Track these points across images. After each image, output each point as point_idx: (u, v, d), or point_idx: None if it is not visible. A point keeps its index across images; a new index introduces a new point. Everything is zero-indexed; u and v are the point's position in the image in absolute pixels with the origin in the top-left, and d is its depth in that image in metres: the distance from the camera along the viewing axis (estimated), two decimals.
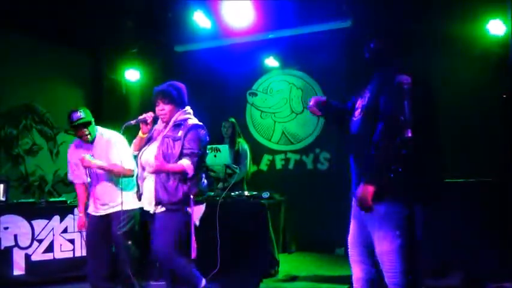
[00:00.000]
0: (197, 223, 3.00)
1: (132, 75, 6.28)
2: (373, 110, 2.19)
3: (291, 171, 6.13)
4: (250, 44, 5.72)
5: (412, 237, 2.12)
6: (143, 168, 2.91)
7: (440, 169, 2.42)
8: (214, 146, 4.43)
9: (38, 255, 4.19)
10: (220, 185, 4.61)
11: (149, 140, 2.98)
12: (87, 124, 3.37)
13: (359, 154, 2.24)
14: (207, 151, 4.38)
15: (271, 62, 6.06)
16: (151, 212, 2.90)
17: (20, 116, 5.58)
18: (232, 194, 4.39)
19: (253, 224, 4.15)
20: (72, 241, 4.35)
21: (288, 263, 4.65)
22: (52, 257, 4.26)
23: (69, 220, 4.35)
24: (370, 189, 2.10)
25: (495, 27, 4.65)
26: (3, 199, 4.28)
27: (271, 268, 4.18)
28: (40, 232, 4.22)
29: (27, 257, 4.14)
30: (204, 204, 3.07)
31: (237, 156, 4.97)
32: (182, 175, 2.81)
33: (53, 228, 4.28)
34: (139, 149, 2.97)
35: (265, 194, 4.36)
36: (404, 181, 2.13)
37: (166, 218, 2.85)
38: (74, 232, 4.36)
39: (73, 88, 6.31)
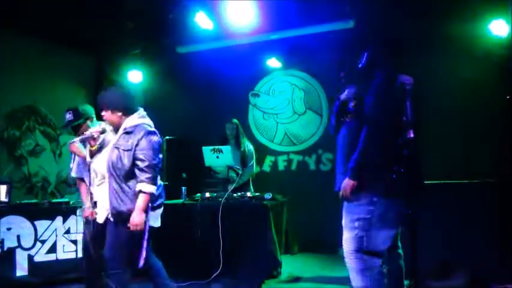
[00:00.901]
0: (158, 224, 2.98)
1: (135, 76, 6.29)
2: (359, 113, 2.35)
3: (293, 172, 6.13)
4: (253, 45, 5.72)
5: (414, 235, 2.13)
6: (95, 175, 2.89)
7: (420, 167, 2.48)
8: (216, 147, 4.43)
9: (41, 256, 4.19)
10: (230, 186, 4.60)
11: (102, 147, 2.92)
12: (78, 126, 3.32)
13: (346, 155, 2.44)
14: (212, 152, 4.43)
15: (273, 63, 6.06)
16: (102, 219, 2.83)
17: (22, 117, 5.60)
18: (235, 195, 4.39)
19: (256, 225, 4.14)
20: (75, 242, 4.35)
21: (290, 264, 4.64)
22: (55, 258, 4.25)
23: (71, 221, 4.35)
24: (351, 183, 2.35)
25: (498, 27, 4.63)
26: (6, 200, 4.28)
27: (273, 269, 4.17)
28: (43, 233, 4.22)
29: (30, 257, 4.14)
30: (162, 207, 3.00)
31: (243, 157, 4.96)
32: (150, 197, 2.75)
33: (55, 229, 4.28)
34: (93, 156, 2.92)
35: (268, 195, 4.35)
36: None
37: (122, 226, 2.73)
38: (76, 233, 4.36)
39: (76, 89, 6.32)
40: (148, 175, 2.72)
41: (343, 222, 2.46)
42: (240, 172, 4.76)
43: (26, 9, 4.74)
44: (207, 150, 4.46)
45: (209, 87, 6.24)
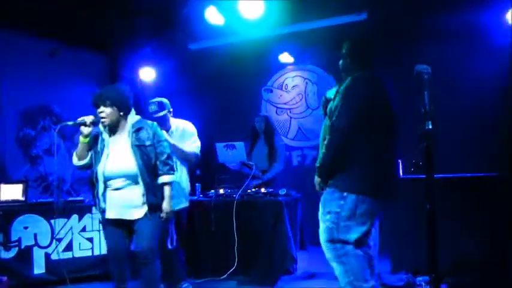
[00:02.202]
0: None
1: (147, 73, 6.30)
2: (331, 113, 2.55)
3: (307, 168, 6.08)
4: (265, 40, 5.67)
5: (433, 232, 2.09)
6: (106, 180, 2.85)
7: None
8: (229, 143, 4.40)
9: (57, 254, 4.21)
10: (255, 182, 4.58)
11: (102, 150, 2.88)
12: (163, 117, 3.66)
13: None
14: (225, 148, 4.42)
15: (285, 57, 6.01)
16: (133, 218, 2.86)
17: (37, 116, 5.65)
18: (249, 191, 4.36)
19: (270, 221, 4.11)
20: (90, 240, 4.38)
21: (306, 260, 4.60)
22: (71, 256, 4.29)
23: (87, 219, 4.38)
24: (317, 179, 2.78)
25: None
26: (22, 199, 4.33)
27: (288, 265, 4.14)
28: (59, 231, 4.26)
29: (47, 255, 4.18)
30: None
31: (271, 153, 4.89)
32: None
33: (71, 227, 4.32)
34: (85, 157, 2.90)
35: (282, 191, 4.32)
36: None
37: (153, 220, 2.89)
38: (92, 231, 4.39)
39: (89, 88, 6.35)
40: (169, 166, 2.93)
41: (319, 214, 2.66)
42: (254, 169, 4.71)
43: (38, 9, 4.76)
44: (220, 146, 4.44)
45: (222, 83, 6.22)
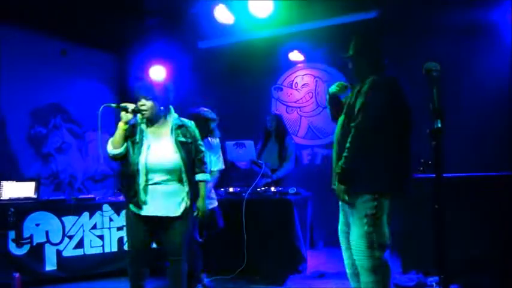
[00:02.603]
0: None
1: (157, 72, 6.31)
2: (350, 114, 2.50)
3: (318, 166, 6.06)
4: (275, 38, 5.65)
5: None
6: (148, 172, 2.78)
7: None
8: (239, 141, 4.40)
9: (69, 251, 4.27)
10: (264, 181, 4.58)
11: (141, 141, 2.81)
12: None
13: (336, 153, 2.63)
14: (234, 146, 4.42)
15: (295, 56, 5.99)
16: (170, 215, 2.81)
17: (49, 115, 5.71)
18: (258, 189, 4.36)
19: (280, 220, 4.10)
20: (101, 237, 4.41)
21: (315, 260, 4.58)
22: (82, 253, 4.33)
23: (98, 216, 4.41)
24: (342, 188, 2.50)
25: None
26: (34, 196, 4.38)
27: (298, 265, 4.13)
28: (70, 228, 4.30)
29: (59, 252, 4.22)
30: None
31: (281, 152, 4.86)
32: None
33: (82, 225, 4.35)
34: (121, 146, 2.81)
35: (292, 190, 4.31)
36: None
37: (188, 219, 2.91)
38: (103, 228, 4.42)
39: (99, 87, 6.42)
40: (205, 165, 3.00)
41: (350, 219, 2.55)
42: (263, 167, 4.70)
43: (49, 9, 4.80)
44: (229, 144, 4.44)
45: (231, 82, 6.21)
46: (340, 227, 2.82)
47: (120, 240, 4.45)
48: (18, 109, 5.39)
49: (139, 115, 2.84)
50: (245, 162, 4.71)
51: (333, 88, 2.85)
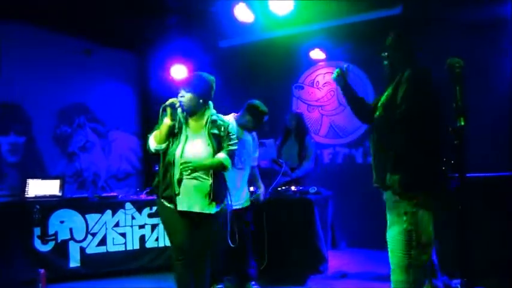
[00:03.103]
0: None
1: (178, 71, 6.35)
2: (391, 105, 2.40)
3: (339, 166, 5.99)
4: (295, 36, 5.61)
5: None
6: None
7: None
8: (259, 140, 4.38)
9: (92, 248, 4.34)
10: (285, 178, 4.56)
11: (180, 135, 2.83)
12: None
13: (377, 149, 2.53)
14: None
15: (317, 54, 5.92)
16: (201, 211, 2.78)
17: (73, 114, 5.82)
18: (279, 189, 4.33)
19: (300, 219, 4.07)
20: (123, 235, 4.46)
21: (337, 260, 4.53)
22: (105, 250, 4.39)
23: (120, 214, 4.47)
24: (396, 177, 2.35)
25: None
26: (59, 194, 4.47)
27: (319, 265, 4.09)
28: (93, 226, 4.36)
29: (82, 249, 4.30)
30: None
31: (302, 150, 4.81)
32: (222, 169, 2.84)
33: (105, 222, 4.41)
34: (165, 142, 2.81)
35: (312, 189, 4.27)
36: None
37: (219, 216, 2.90)
38: (125, 226, 4.48)
39: (122, 87, 6.51)
40: (231, 154, 2.91)
41: (389, 216, 2.47)
42: (283, 166, 4.67)
43: (72, 10, 4.89)
44: None
45: (251, 81, 6.19)
46: (388, 227, 2.67)
47: (142, 238, 4.50)
48: (45, 109, 5.51)
49: (179, 110, 2.86)
50: (266, 161, 4.69)
51: (334, 75, 2.84)
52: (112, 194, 4.74)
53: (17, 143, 5.23)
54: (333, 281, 4.02)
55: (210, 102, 2.96)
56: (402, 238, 2.36)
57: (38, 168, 5.36)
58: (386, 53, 2.66)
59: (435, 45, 4.87)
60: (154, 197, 4.58)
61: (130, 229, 4.48)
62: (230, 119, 3.51)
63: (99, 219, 4.40)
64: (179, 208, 2.76)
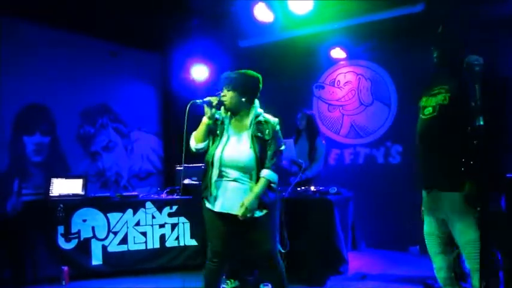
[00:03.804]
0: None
1: (199, 72, 6.39)
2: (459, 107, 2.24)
3: (360, 166, 5.92)
4: (315, 35, 5.56)
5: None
6: (222, 166, 2.71)
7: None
8: None
9: (113, 247, 4.39)
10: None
11: (221, 135, 2.78)
12: None
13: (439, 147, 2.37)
14: None
15: (337, 53, 5.87)
16: (248, 215, 2.64)
17: (96, 115, 5.93)
18: (298, 189, 4.31)
19: (320, 220, 4.03)
20: (144, 234, 4.51)
21: (357, 261, 4.48)
22: (126, 249, 4.44)
23: (141, 213, 4.52)
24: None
25: None
26: (82, 193, 4.55)
27: (339, 266, 4.05)
28: (115, 224, 4.43)
29: (104, 248, 4.36)
30: None
31: (312, 152, 4.78)
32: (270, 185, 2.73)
33: (126, 221, 4.47)
34: (204, 140, 2.78)
35: (333, 189, 4.23)
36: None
37: (270, 218, 2.74)
38: (146, 225, 4.52)
39: (144, 87, 6.59)
40: (274, 166, 2.75)
41: (458, 222, 2.33)
42: (303, 166, 4.65)
43: (96, 11, 4.98)
44: None
45: (272, 80, 6.13)
46: (430, 230, 2.60)
47: (162, 238, 4.54)
48: (69, 109, 5.63)
49: (222, 108, 2.80)
50: (285, 162, 4.67)
51: None
52: (133, 193, 4.80)
53: (42, 143, 5.36)
54: (353, 282, 3.98)
55: (256, 101, 2.85)
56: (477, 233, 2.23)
57: (62, 168, 5.47)
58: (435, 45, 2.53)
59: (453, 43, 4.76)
60: (174, 196, 4.70)
61: (150, 228, 4.53)
62: None
63: (121, 218, 4.45)
64: (217, 210, 2.71)
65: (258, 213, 2.68)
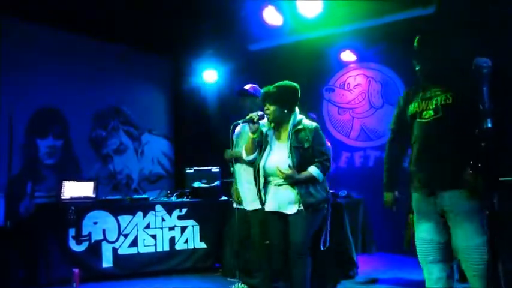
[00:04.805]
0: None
1: (210, 75, 6.42)
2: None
3: (370, 169, 5.88)
4: (325, 38, 5.56)
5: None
6: (266, 175, 2.96)
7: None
8: None
9: (124, 249, 4.41)
10: None
11: (266, 146, 3.02)
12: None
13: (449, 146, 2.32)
14: None
15: (347, 55, 5.85)
16: (288, 212, 2.89)
17: (108, 117, 5.99)
18: None
19: (330, 223, 4.01)
20: (154, 236, 4.53)
21: (367, 265, 4.45)
22: (137, 251, 4.46)
23: (151, 216, 4.53)
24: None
25: None
26: (93, 196, 4.59)
27: (349, 269, 4.02)
28: (125, 227, 4.45)
29: (115, 250, 4.38)
30: None
31: None
32: (314, 182, 2.89)
33: (137, 224, 4.49)
34: (253, 152, 3.06)
35: (343, 193, 4.21)
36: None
37: (308, 218, 2.90)
38: (156, 228, 4.54)
39: (155, 90, 6.64)
40: (323, 165, 2.92)
41: (460, 227, 2.29)
42: None
43: (107, 15, 5.03)
44: None
45: None
46: (428, 236, 2.49)
47: (172, 240, 4.55)
48: (81, 113, 5.71)
49: (266, 120, 3.03)
50: None
51: None
52: (143, 196, 4.82)
53: (54, 146, 5.43)
54: (364, 286, 3.95)
55: (296, 108, 3.03)
56: (487, 248, 2.14)
57: (74, 170, 5.54)
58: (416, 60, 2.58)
59: (467, 45, 4.72)
60: (184, 199, 4.72)
61: (160, 231, 4.55)
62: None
63: (131, 220, 4.47)
64: (268, 209, 2.97)
65: (292, 211, 2.88)
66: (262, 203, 3.00)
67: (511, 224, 2.74)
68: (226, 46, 6.00)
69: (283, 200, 2.91)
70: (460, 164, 2.25)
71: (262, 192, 2.98)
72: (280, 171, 2.84)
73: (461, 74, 2.31)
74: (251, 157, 3.07)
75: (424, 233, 2.47)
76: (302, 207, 2.85)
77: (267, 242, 3.19)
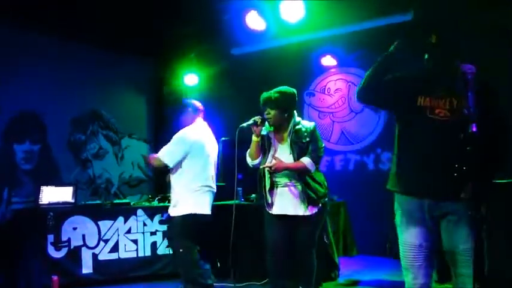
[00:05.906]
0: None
1: (191, 79, 6.40)
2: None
3: (351, 172, 5.96)
4: (307, 43, 5.62)
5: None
6: (272, 176, 3.01)
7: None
8: None
9: (104, 255, 4.35)
10: None
11: (269, 148, 3.07)
12: None
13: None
14: None
15: (328, 60, 5.93)
16: (301, 214, 2.95)
17: (87, 122, 5.90)
18: None
19: None
20: (135, 241, 4.48)
21: (349, 267, 4.50)
22: (117, 257, 4.40)
23: (132, 221, 4.48)
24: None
25: None
26: (72, 201, 4.50)
27: (330, 271, 4.07)
28: (106, 232, 4.39)
29: (95, 256, 4.31)
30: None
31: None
32: (305, 172, 2.94)
33: (117, 229, 4.43)
34: (257, 157, 3.08)
35: None
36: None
37: (319, 212, 2.98)
38: (137, 233, 4.49)
39: (135, 94, 6.59)
40: (313, 155, 2.98)
41: (465, 233, 2.22)
42: None
43: (87, 19, 4.98)
44: None
45: (264, 88, 6.16)
46: (415, 241, 2.35)
47: (154, 245, 4.51)
48: (59, 117, 5.61)
49: (267, 124, 3.08)
50: None
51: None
52: (125, 200, 4.77)
53: (32, 151, 5.32)
54: (345, 287, 4.00)
55: (294, 111, 3.10)
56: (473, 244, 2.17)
57: (53, 176, 5.44)
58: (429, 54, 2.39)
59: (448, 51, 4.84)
60: (166, 203, 4.68)
61: (142, 236, 4.50)
62: None
63: (112, 225, 4.42)
64: (275, 212, 3.01)
65: (304, 212, 2.95)
66: (267, 204, 3.04)
67: (503, 224, 2.81)
68: (208, 50, 6.01)
69: (290, 201, 2.97)
70: (469, 173, 2.11)
71: (268, 195, 3.02)
72: (269, 166, 2.91)
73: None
74: (256, 161, 3.10)
75: (412, 238, 2.33)
76: (309, 207, 2.93)
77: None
